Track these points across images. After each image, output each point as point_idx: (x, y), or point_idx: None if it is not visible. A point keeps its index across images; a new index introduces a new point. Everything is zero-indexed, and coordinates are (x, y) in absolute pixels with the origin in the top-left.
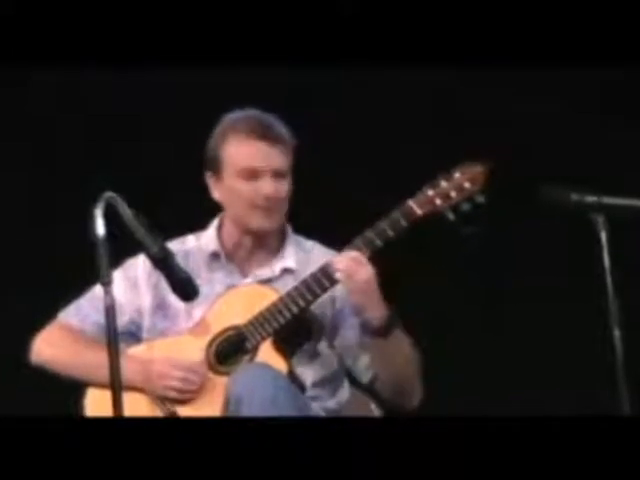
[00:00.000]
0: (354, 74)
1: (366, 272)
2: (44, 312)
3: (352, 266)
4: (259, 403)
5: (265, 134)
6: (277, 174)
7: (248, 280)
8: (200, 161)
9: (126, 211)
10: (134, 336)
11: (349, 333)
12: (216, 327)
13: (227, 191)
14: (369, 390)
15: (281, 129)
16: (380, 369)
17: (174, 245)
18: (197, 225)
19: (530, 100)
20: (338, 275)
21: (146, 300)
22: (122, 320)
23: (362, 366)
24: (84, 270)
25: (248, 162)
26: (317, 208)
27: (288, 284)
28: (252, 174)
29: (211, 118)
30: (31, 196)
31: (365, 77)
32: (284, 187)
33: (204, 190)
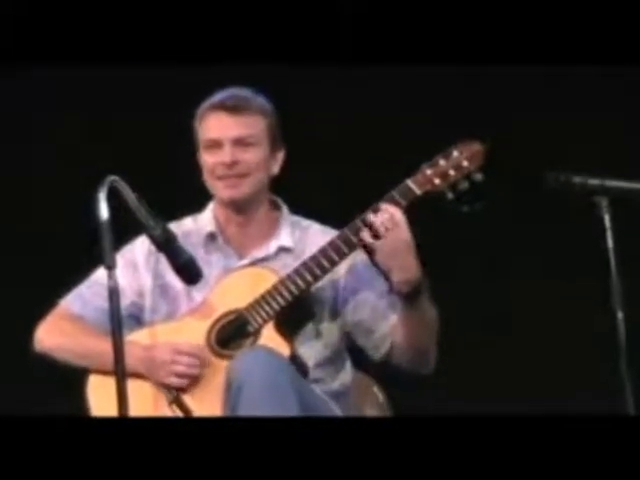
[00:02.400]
0: (354, 74)
1: (405, 232)
2: (45, 299)
3: (394, 222)
4: (260, 387)
5: (224, 104)
6: (238, 142)
7: (245, 261)
8: None
9: (129, 194)
10: (136, 319)
11: (361, 309)
12: (217, 310)
13: (202, 168)
14: (384, 362)
15: (247, 98)
16: (402, 336)
17: (171, 228)
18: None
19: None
20: (382, 230)
21: (147, 281)
22: (124, 303)
23: (378, 338)
24: (84, 255)
25: (209, 134)
26: (316, 198)
27: (286, 263)
28: (214, 145)
29: None
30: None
31: (365, 77)
32: (249, 155)
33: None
